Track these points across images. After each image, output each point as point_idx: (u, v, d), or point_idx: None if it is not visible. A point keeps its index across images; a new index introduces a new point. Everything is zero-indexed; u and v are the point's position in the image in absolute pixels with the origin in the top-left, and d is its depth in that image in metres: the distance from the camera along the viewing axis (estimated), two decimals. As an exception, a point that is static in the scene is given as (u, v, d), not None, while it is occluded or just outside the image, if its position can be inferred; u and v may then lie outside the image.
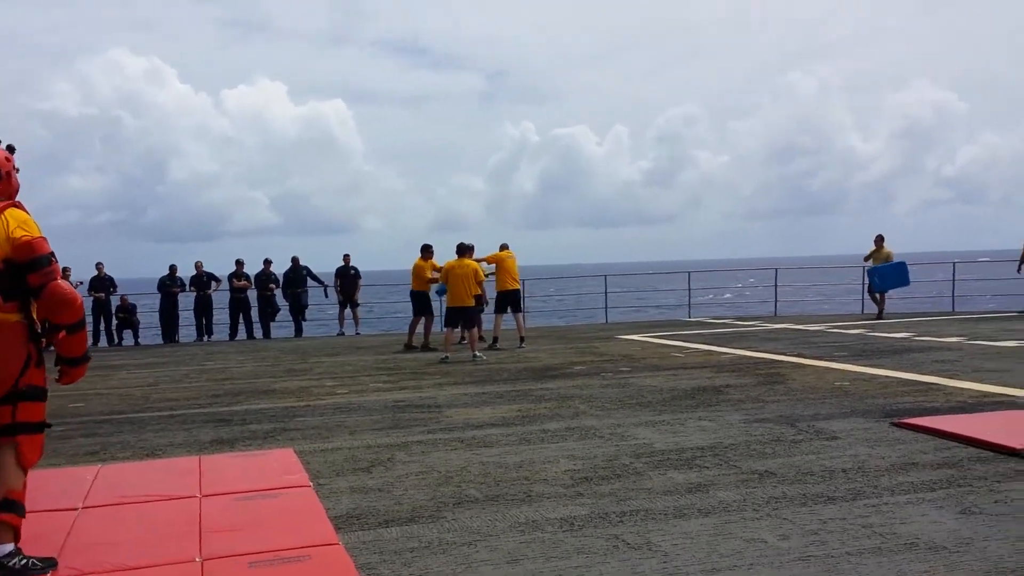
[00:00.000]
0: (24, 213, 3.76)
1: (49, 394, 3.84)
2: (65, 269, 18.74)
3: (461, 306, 12.58)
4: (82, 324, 3.79)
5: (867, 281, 17.76)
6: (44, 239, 3.71)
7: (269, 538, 4.07)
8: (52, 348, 3.78)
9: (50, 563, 3.75)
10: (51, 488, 5.24)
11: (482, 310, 14.40)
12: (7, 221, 3.65)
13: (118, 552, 3.93)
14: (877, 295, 17.43)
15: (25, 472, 3.74)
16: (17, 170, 3.96)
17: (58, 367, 3.81)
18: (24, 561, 3.67)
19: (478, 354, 12.33)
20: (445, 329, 12.87)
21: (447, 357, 12.29)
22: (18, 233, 3.63)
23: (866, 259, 17.71)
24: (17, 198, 3.87)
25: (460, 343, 13.53)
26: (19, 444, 3.69)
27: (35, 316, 3.74)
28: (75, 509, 4.66)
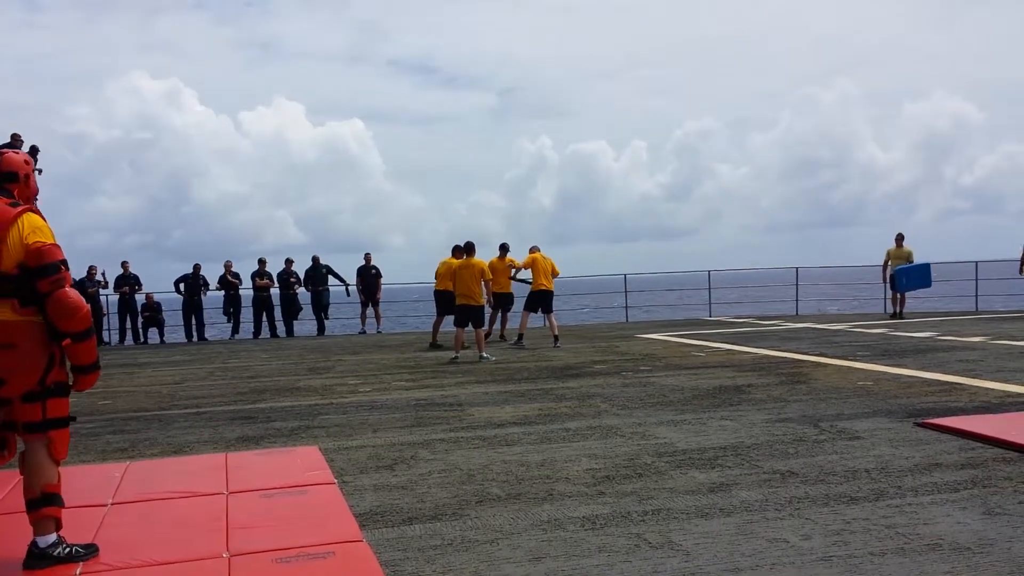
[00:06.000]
0: (39, 219, 3.78)
1: (73, 392, 3.92)
2: (91, 268, 18.99)
3: (470, 304, 12.56)
4: (89, 333, 3.78)
5: (887, 279, 17.81)
6: (57, 246, 3.73)
7: (294, 534, 4.12)
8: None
9: (92, 549, 3.88)
10: (81, 484, 5.32)
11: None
12: (22, 226, 3.68)
13: (147, 547, 3.99)
14: (898, 295, 17.53)
15: (58, 465, 3.83)
16: (39, 171, 4.03)
17: (71, 378, 3.85)
18: (67, 549, 3.79)
19: (485, 354, 12.32)
20: (455, 329, 12.87)
21: (456, 357, 12.29)
22: (32, 239, 3.66)
23: (887, 260, 17.73)
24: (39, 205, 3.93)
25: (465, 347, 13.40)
26: (51, 440, 3.77)
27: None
28: (104, 505, 4.74)
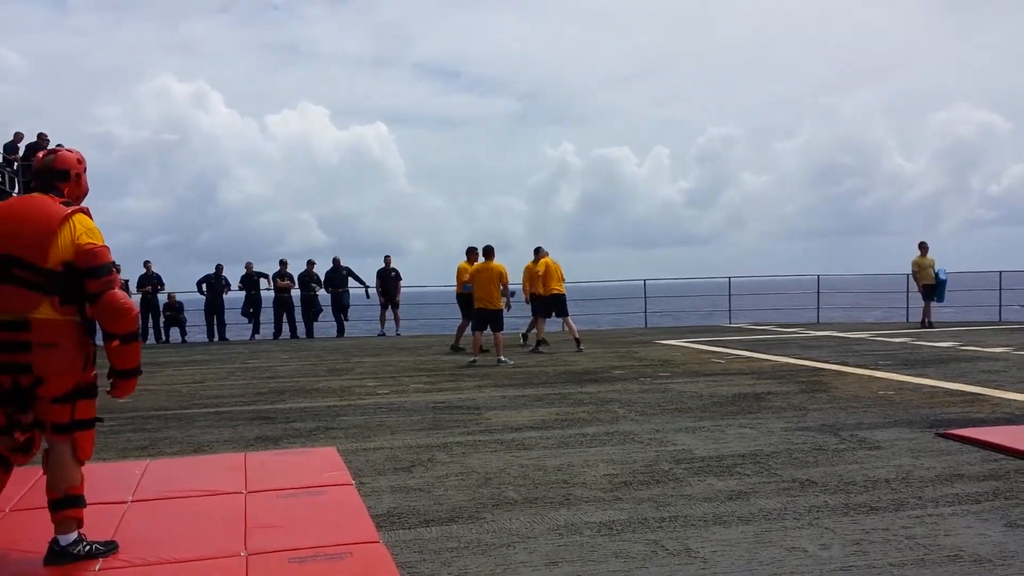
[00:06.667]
0: (90, 220, 3.83)
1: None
2: (116, 266, 19.18)
3: (489, 308, 12.56)
4: (136, 336, 3.82)
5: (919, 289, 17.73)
6: (108, 248, 3.78)
7: (311, 535, 4.14)
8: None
9: (111, 546, 3.91)
10: (101, 481, 5.37)
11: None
12: (74, 226, 3.72)
13: (165, 545, 4.02)
14: (929, 305, 17.47)
15: (82, 466, 3.86)
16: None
17: (110, 380, 3.86)
18: (88, 547, 3.81)
19: (503, 358, 12.32)
20: (474, 332, 12.86)
21: (475, 360, 12.31)
22: (84, 239, 3.70)
23: (915, 270, 17.55)
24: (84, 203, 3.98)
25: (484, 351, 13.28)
26: (76, 440, 3.79)
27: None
28: (124, 502, 4.78)
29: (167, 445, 6.68)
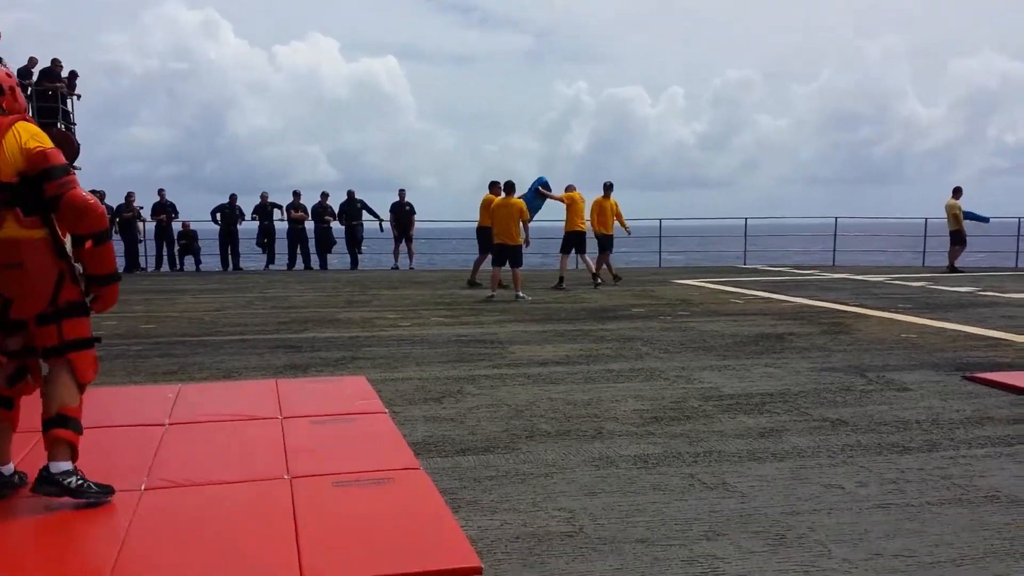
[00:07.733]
0: (34, 126, 3.58)
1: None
2: (129, 194, 19.16)
3: (508, 244, 12.54)
4: (107, 235, 3.59)
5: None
6: (58, 150, 3.53)
7: (351, 460, 4.18)
8: (82, 272, 3.64)
9: (106, 491, 3.60)
10: (136, 403, 5.45)
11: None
12: (19, 133, 3.48)
13: (208, 466, 4.07)
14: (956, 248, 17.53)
15: (82, 390, 3.62)
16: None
17: (90, 295, 3.65)
18: (81, 482, 3.53)
19: (521, 294, 12.35)
20: (493, 267, 12.85)
21: (493, 295, 12.36)
22: (31, 144, 3.45)
23: (956, 212, 17.52)
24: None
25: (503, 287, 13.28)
26: (72, 362, 3.56)
27: (60, 233, 3.57)
28: (162, 425, 4.82)
29: (196, 371, 6.72)
